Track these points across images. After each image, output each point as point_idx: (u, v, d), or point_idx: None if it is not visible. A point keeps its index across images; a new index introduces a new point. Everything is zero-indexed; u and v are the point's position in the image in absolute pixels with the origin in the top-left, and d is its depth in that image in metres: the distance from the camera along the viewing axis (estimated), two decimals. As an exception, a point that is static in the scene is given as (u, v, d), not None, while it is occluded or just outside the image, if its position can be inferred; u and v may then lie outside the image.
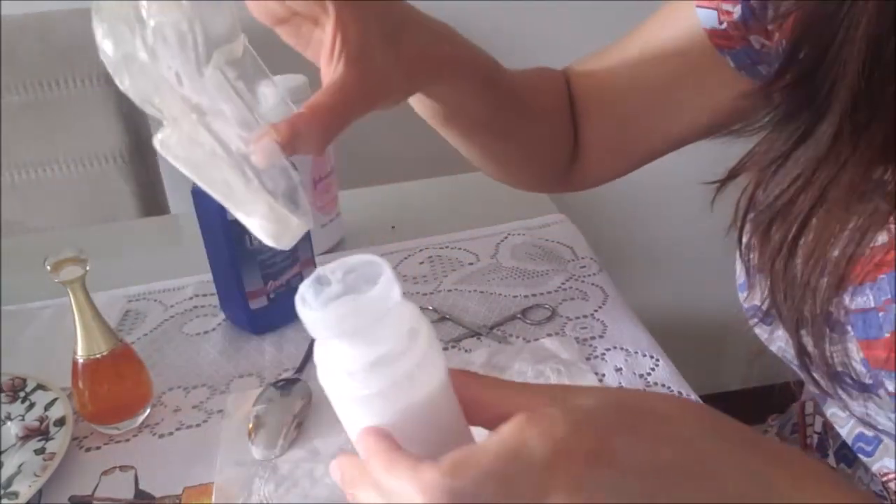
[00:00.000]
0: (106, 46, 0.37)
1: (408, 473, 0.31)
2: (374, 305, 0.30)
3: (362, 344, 0.31)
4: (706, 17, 0.58)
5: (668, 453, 0.33)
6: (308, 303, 0.31)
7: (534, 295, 0.82)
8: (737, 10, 0.56)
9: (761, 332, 0.54)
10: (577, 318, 0.78)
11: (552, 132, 0.68)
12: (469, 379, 0.35)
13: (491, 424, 0.33)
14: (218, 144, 0.37)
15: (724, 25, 0.57)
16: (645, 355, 0.72)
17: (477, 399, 0.35)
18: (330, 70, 0.44)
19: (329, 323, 0.30)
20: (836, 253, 0.45)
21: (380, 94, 0.46)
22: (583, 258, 0.87)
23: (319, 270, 0.31)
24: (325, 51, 0.44)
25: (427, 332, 0.33)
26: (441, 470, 0.31)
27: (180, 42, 0.36)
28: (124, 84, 0.37)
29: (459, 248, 0.91)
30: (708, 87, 0.61)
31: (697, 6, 0.59)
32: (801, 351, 0.48)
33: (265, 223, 0.36)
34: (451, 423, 0.33)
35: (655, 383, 0.69)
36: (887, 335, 0.44)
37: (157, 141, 0.37)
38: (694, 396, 0.67)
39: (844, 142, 0.44)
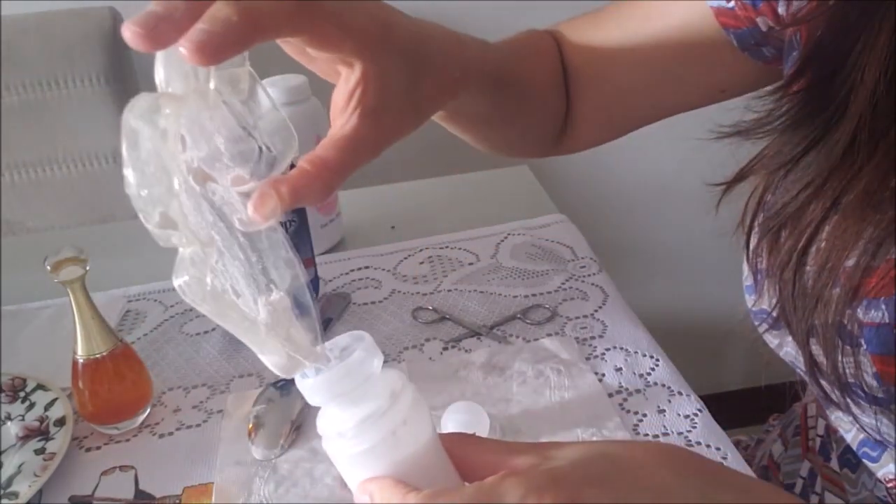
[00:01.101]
0: (131, 173, 0.35)
1: (398, 497, 0.34)
2: (357, 368, 0.34)
3: (351, 406, 0.35)
4: None
5: (641, 500, 0.34)
6: (308, 376, 0.35)
7: (534, 295, 0.82)
8: None
9: (770, 338, 0.54)
10: (577, 318, 0.78)
11: (548, 110, 0.66)
12: (465, 441, 0.37)
13: None
14: (224, 230, 0.36)
15: (732, 4, 0.56)
16: (645, 355, 0.72)
17: (474, 461, 0.36)
18: (342, 119, 0.41)
19: (320, 388, 0.34)
20: (850, 263, 0.44)
21: (391, 140, 0.44)
22: (583, 258, 0.87)
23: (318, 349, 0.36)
24: (340, 97, 0.42)
25: (411, 394, 0.36)
26: (419, 495, 0.34)
27: (185, 80, 0.35)
28: (151, 217, 0.35)
29: (459, 248, 0.91)
30: (709, 64, 0.60)
31: None
32: (811, 361, 0.48)
33: (279, 361, 0.37)
34: (439, 480, 0.35)
35: (655, 383, 0.69)
36: None
37: (177, 286, 0.37)
38: (694, 396, 0.67)
39: (860, 149, 0.43)
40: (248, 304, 0.36)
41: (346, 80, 0.42)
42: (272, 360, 0.36)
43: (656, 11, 0.61)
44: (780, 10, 0.54)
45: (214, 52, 0.33)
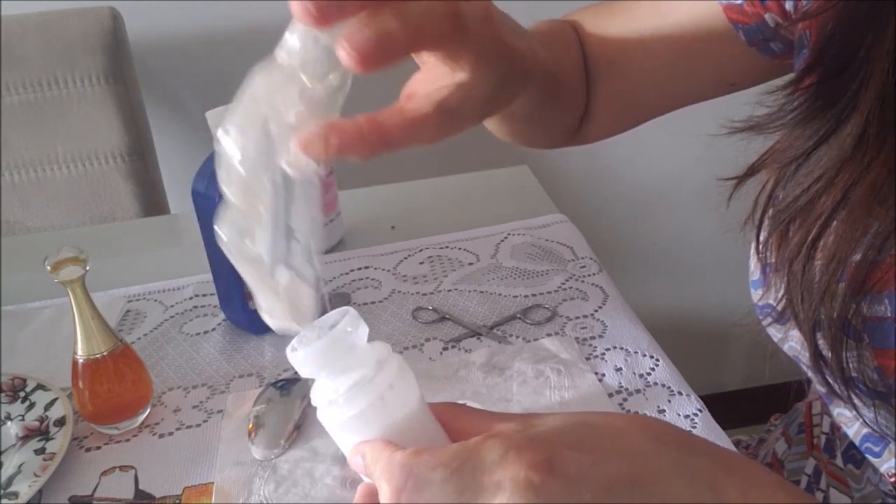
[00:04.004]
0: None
1: (385, 456, 0.35)
2: (342, 339, 0.36)
3: (339, 375, 0.37)
4: None
5: (615, 465, 0.35)
6: (297, 349, 0.37)
7: (534, 295, 0.82)
8: None
9: (774, 331, 0.54)
10: (577, 318, 0.78)
11: (574, 102, 0.67)
12: (456, 409, 0.39)
13: None
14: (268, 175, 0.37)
15: (741, 0, 0.57)
16: (645, 355, 0.72)
17: (462, 426, 0.38)
18: (416, 103, 0.41)
19: (309, 360, 0.36)
20: (856, 257, 0.44)
21: (448, 136, 0.43)
22: (583, 258, 0.87)
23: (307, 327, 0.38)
24: (424, 83, 0.42)
25: (397, 362, 0.38)
26: (405, 452, 0.35)
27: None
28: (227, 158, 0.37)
29: (459, 248, 0.91)
30: (718, 58, 0.61)
31: None
32: (817, 354, 0.48)
33: (279, 324, 0.39)
34: (428, 442, 0.37)
35: (655, 383, 0.69)
36: None
37: (219, 238, 0.38)
38: (694, 396, 0.67)
39: (870, 142, 0.43)
40: (263, 249, 0.38)
41: (437, 75, 0.42)
42: (274, 323, 0.38)
43: (667, 5, 0.62)
44: (788, 6, 0.54)
45: (375, 64, 0.34)
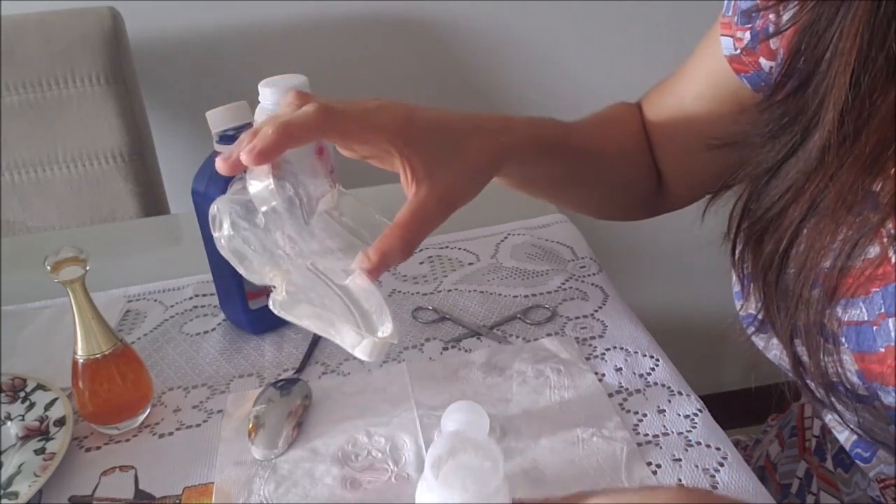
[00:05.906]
0: (225, 242, 0.49)
1: None
2: (476, 469, 0.43)
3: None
4: (726, 45, 0.60)
5: None
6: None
7: (534, 295, 0.82)
8: (746, 36, 0.58)
9: (758, 341, 0.54)
10: (577, 318, 0.78)
11: (633, 169, 0.71)
12: None
13: None
14: (324, 284, 0.49)
15: (739, 51, 0.59)
16: (645, 355, 0.72)
17: None
18: (409, 193, 0.54)
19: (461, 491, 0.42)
20: (827, 264, 0.45)
21: (453, 199, 0.55)
22: (583, 258, 0.87)
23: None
24: (402, 180, 0.54)
25: (504, 485, 0.43)
26: None
27: (290, 209, 0.49)
28: (241, 269, 0.49)
29: (459, 248, 0.91)
30: (740, 111, 0.61)
31: (721, 34, 0.61)
32: (796, 361, 0.49)
33: (362, 348, 0.47)
34: None
35: (655, 383, 0.69)
36: (882, 349, 0.44)
37: (272, 302, 0.49)
38: (694, 396, 0.67)
39: (833, 153, 0.44)
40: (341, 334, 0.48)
41: (398, 166, 0.54)
42: (357, 348, 0.47)
43: (697, 70, 0.66)
44: (772, 44, 0.56)
45: (258, 156, 0.47)
